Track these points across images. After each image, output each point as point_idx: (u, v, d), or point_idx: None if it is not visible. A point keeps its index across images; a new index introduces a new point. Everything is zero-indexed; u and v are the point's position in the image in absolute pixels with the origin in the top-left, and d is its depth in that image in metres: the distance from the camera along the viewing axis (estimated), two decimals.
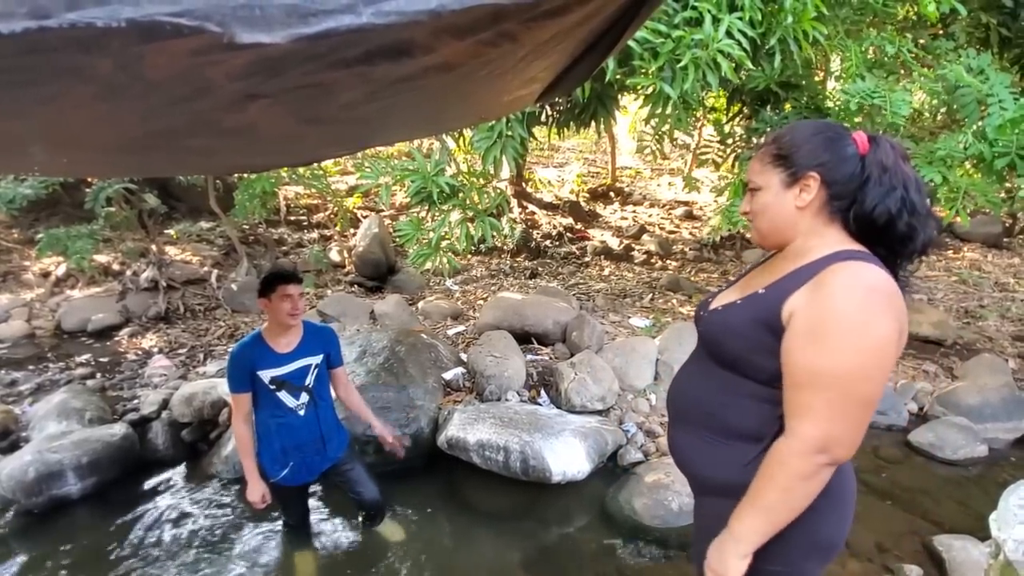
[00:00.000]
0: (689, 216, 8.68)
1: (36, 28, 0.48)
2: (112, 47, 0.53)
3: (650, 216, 8.77)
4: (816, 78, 4.86)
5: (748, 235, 6.06)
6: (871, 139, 1.05)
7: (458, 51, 0.73)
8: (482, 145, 3.39)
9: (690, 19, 2.76)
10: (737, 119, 4.98)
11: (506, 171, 6.98)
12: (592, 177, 10.35)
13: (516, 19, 0.68)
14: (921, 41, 4.22)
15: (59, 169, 1.95)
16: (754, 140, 4.34)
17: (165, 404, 3.44)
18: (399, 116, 1.18)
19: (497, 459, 2.86)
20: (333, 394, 2.32)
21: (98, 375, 4.13)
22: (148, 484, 3.08)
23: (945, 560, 2.39)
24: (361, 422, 2.48)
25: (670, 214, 8.85)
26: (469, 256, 6.79)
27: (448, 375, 3.63)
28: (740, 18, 2.73)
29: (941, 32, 4.40)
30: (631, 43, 2.69)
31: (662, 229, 8.29)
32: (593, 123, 4.09)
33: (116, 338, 4.81)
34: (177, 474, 3.18)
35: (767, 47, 3.02)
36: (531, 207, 8.38)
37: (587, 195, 9.41)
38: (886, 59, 3.84)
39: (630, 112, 7.19)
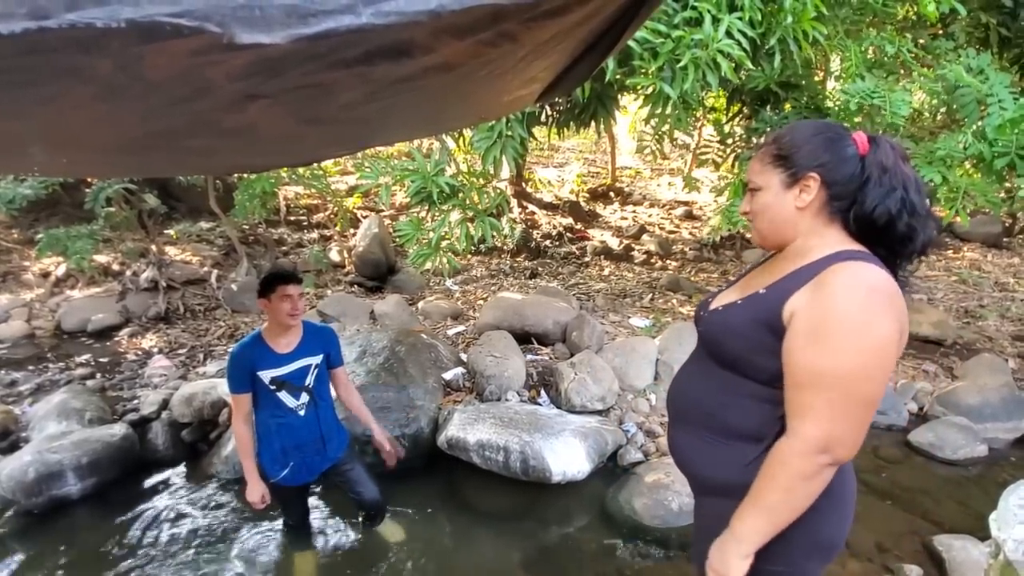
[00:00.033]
0: (689, 216, 8.68)
1: (36, 29, 0.48)
2: (112, 47, 0.53)
3: (650, 216, 8.77)
4: (816, 78, 4.86)
5: (748, 235, 6.07)
6: (871, 140, 1.05)
7: (458, 51, 0.73)
8: (482, 145, 3.39)
9: (690, 19, 2.76)
10: (737, 119, 4.98)
11: (506, 171, 6.98)
12: (592, 177, 10.35)
13: (516, 19, 0.68)
14: (921, 41, 4.22)
15: (59, 169, 1.95)
16: (754, 140, 4.34)
17: (165, 404, 3.44)
18: (399, 116, 1.18)
19: (497, 459, 2.86)
20: (333, 394, 2.32)
21: (98, 375, 4.13)
22: (148, 484, 3.08)
23: (945, 560, 2.39)
24: (361, 423, 2.48)
25: (670, 214, 8.86)
26: (469, 256, 6.79)
27: (448, 375, 3.63)
28: (740, 18, 2.73)
29: (941, 32, 4.40)
30: (631, 43, 2.69)
31: (662, 229, 8.29)
32: (593, 123, 4.09)
33: (116, 338, 4.81)
34: (177, 474, 3.18)
35: (767, 47, 3.02)
36: (531, 207, 8.38)
37: (587, 195, 9.41)
38: (886, 59, 3.84)
39: (630, 112, 7.18)
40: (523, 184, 8.73)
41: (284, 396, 2.10)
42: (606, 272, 6.58)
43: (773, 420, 1.05)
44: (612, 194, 9.45)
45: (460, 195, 3.69)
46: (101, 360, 4.39)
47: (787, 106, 3.96)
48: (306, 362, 2.13)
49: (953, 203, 3.09)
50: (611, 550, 2.59)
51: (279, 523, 2.61)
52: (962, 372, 4.10)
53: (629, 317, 4.86)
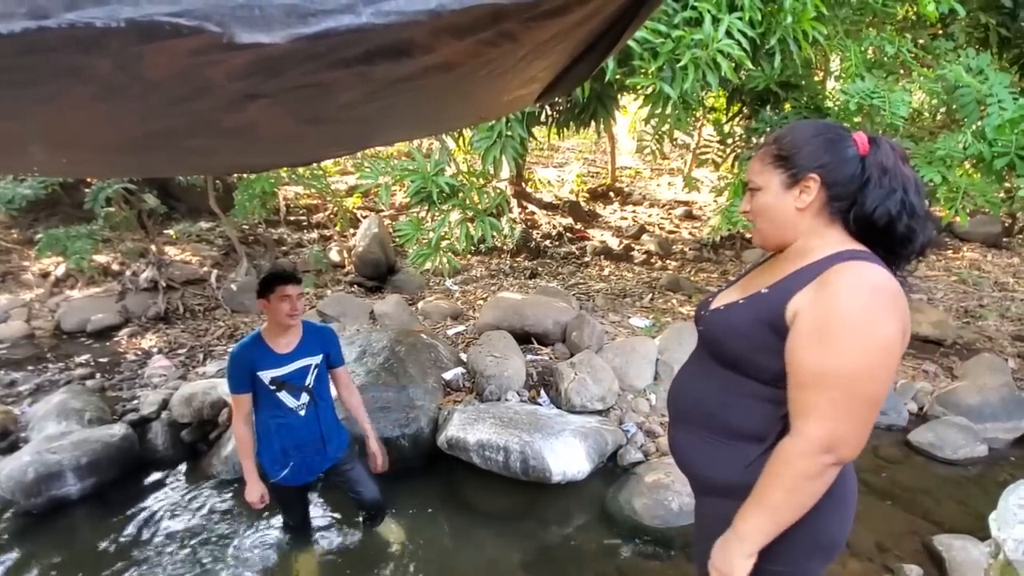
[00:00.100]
0: (689, 216, 8.68)
1: (35, 28, 0.48)
2: (111, 47, 0.53)
3: (650, 216, 8.77)
4: (816, 78, 4.87)
5: (748, 235, 6.08)
6: (871, 140, 1.05)
7: (458, 51, 0.73)
8: (482, 145, 3.39)
9: (690, 19, 2.76)
10: (737, 119, 4.99)
11: (506, 171, 6.98)
12: (592, 177, 10.35)
13: (516, 19, 0.68)
14: (920, 41, 4.22)
15: (58, 169, 1.95)
16: (754, 140, 4.34)
17: (165, 404, 3.44)
18: (399, 116, 1.17)
19: (497, 459, 2.86)
20: (333, 394, 2.31)
21: (97, 375, 4.13)
22: (148, 485, 3.08)
23: (945, 560, 2.39)
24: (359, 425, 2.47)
25: (670, 214, 8.86)
26: (469, 256, 6.79)
27: (448, 375, 3.63)
28: (740, 18, 2.73)
29: (940, 32, 4.40)
30: (631, 43, 2.69)
31: (662, 229, 8.29)
32: (593, 123, 4.09)
33: (116, 338, 4.81)
34: (177, 474, 3.18)
35: (767, 47, 3.02)
36: (531, 207, 8.38)
37: (587, 195, 9.41)
38: (886, 59, 3.84)
39: (630, 112, 7.18)
40: (523, 184, 8.73)
41: (284, 396, 2.09)
42: (606, 272, 6.58)
43: (775, 420, 1.05)
44: (612, 194, 9.45)
45: (460, 195, 3.69)
46: (101, 360, 4.39)
47: (787, 106, 3.96)
48: (306, 362, 2.13)
49: (953, 203, 3.09)
50: (611, 550, 2.59)
51: (279, 523, 2.61)
52: (962, 372, 4.10)
53: (629, 317, 4.86)
